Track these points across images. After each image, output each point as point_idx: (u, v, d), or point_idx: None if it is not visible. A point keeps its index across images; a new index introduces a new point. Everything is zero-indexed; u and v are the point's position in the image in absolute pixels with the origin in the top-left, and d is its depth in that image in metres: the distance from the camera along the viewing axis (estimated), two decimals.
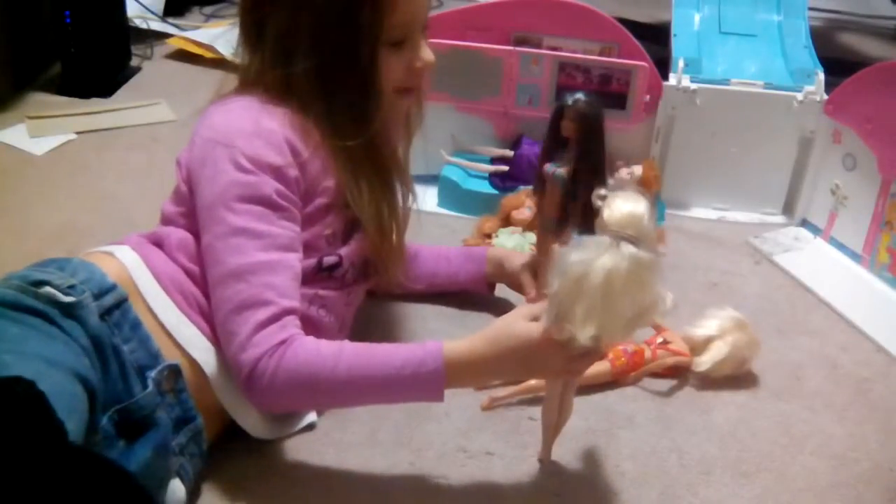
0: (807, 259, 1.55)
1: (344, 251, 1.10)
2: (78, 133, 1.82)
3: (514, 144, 1.63)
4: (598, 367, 1.20)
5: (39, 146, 1.76)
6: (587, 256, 0.90)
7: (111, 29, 2.05)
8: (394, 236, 1.13)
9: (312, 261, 1.07)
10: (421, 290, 1.33)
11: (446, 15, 1.66)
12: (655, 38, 1.80)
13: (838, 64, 1.73)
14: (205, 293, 1.02)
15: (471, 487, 1.05)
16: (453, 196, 1.62)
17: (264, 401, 1.01)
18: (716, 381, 1.24)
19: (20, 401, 0.85)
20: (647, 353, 1.23)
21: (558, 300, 0.92)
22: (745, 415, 1.20)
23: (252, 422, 1.05)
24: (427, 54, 1.09)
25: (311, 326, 1.04)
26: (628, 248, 0.89)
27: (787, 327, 1.38)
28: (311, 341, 0.98)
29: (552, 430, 1.07)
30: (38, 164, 1.71)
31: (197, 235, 1.04)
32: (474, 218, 1.56)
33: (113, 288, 0.97)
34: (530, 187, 1.52)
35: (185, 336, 1.01)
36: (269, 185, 1.00)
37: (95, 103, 1.97)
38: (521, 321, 0.98)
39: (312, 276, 1.07)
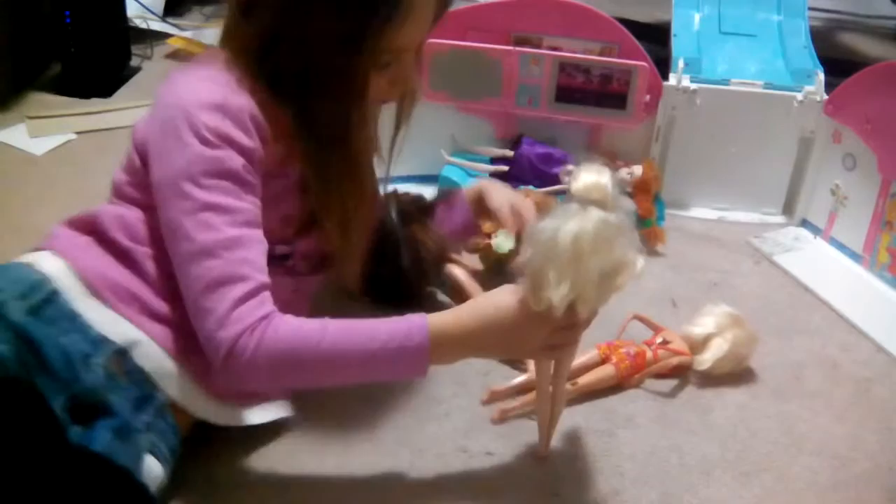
0: (807, 259, 1.55)
1: (300, 245, 1.08)
2: (78, 133, 1.82)
3: (514, 144, 1.63)
4: (604, 372, 1.20)
5: (39, 146, 1.76)
6: (556, 223, 0.93)
7: (111, 29, 2.05)
8: (356, 236, 1.09)
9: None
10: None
11: (446, 15, 1.66)
12: (655, 38, 1.80)
13: (838, 64, 1.73)
14: (143, 272, 1.00)
15: (471, 487, 1.05)
16: None
17: (244, 378, 0.96)
18: (716, 380, 1.24)
19: (20, 400, 0.85)
20: (649, 354, 1.23)
21: (532, 269, 0.94)
22: (745, 415, 1.20)
23: (200, 405, 1.02)
24: (414, 77, 1.06)
25: None
26: (595, 212, 0.93)
27: (787, 327, 1.38)
28: (292, 317, 0.96)
29: (547, 422, 1.08)
30: (38, 164, 1.71)
31: (141, 207, 1.02)
32: None
33: (39, 286, 0.96)
34: (530, 187, 1.54)
35: (122, 334, 0.99)
36: (236, 160, 0.97)
37: (95, 103, 1.97)
38: (506, 294, 0.98)
39: None
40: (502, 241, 1.47)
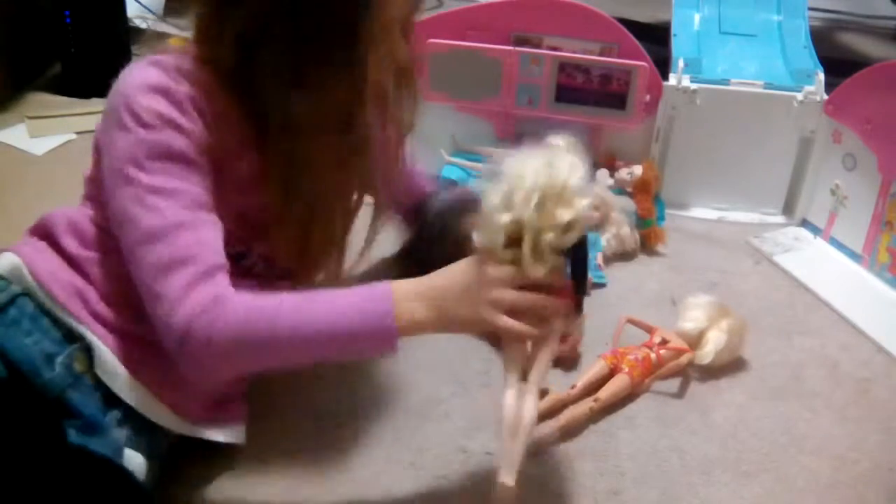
0: (807, 259, 1.55)
1: (257, 245, 1.04)
2: (78, 133, 1.82)
3: (514, 144, 1.63)
4: (621, 382, 1.19)
5: (39, 146, 1.76)
6: (516, 162, 0.95)
7: (111, 29, 2.05)
8: (324, 245, 1.03)
9: None
10: None
11: (446, 15, 1.66)
12: (655, 38, 1.80)
13: (838, 64, 1.73)
14: (89, 277, 0.99)
15: (471, 487, 1.05)
16: None
17: (203, 364, 0.92)
18: (716, 380, 1.24)
19: (20, 401, 0.85)
20: (653, 356, 1.23)
21: (483, 202, 0.94)
22: (745, 415, 1.20)
23: (156, 413, 0.99)
24: (404, 52, 1.01)
25: None
26: (550, 151, 0.95)
27: (787, 327, 1.38)
28: (248, 295, 0.91)
29: (515, 435, 0.93)
30: (38, 164, 1.71)
31: (93, 202, 1.01)
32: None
33: (2, 289, 0.96)
34: None
35: (82, 336, 0.98)
36: (179, 141, 0.93)
37: (95, 103, 1.96)
38: (467, 258, 0.96)
39: None
40: None
